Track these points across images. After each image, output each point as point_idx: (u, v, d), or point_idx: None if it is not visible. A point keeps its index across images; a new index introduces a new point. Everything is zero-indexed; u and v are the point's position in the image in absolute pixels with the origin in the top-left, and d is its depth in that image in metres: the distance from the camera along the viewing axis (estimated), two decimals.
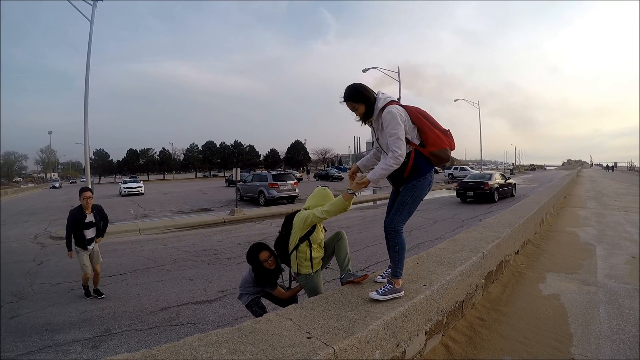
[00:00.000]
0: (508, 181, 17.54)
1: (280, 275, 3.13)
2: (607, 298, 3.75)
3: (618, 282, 4.24)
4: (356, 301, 2.39)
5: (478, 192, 15.52)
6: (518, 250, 5.31)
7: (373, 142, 2.71)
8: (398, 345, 2.20)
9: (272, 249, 3.06)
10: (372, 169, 2.61)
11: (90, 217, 5.07)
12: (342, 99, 2.55)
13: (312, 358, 1.63)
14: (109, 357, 1.68)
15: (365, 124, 2.62)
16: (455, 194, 17.18)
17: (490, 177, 16.02)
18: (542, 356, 2.66)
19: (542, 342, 2.84)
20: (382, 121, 2.45)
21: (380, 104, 2.48)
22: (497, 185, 15.88)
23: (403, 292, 2.48)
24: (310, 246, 2.81)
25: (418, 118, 2.49)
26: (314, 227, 2.80)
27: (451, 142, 2.55)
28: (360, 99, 2.50)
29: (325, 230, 3.05)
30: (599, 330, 3.03)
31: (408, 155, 2.45)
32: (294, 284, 3.21)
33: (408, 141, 2.46)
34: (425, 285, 2.67)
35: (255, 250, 2.99)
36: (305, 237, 2.80)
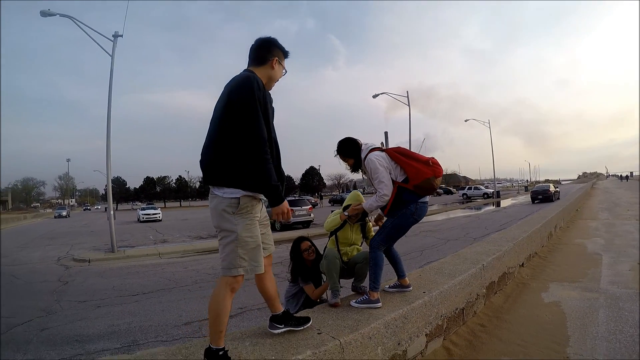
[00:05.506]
0: (556, 189, 29.49)
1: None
2: (607, 302, 3.83)
3: (620, 287, 4.32)
4: (361, 306, 2.68)
5: (545, 196, 26.96)
6: (523, 263, 5.47)
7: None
8: (399, 344, 2.46)
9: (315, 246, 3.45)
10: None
11: None
12: (335, 153, 3.03)
13: (321, 347, 1.95)
14: (105, 358, 2.01)
15: (354, 172, 3.07)
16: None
17: (549, 187, 28.09)
18: (538, 356, 2.81)
19: (538, 344, 2.99)
20: (367, 169, 2.87)
21: (363, 155, 2.90)
22: (553, 191, 27.39)
23: (380, 304, 2.65)
24: (337, 240, 3.19)
25: (397, 158, 2.86)
26: (343, 224, 3.15)
27: (435, 169, 2.80)
28: (349, 153, 2.97)
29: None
30: (596, 332, 3.13)
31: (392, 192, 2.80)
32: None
33: (392, 181, 2.81)
34: (424, 292, 2.93)
35: (298, 241, 3.42)
36: (334, 232, 3.19)
